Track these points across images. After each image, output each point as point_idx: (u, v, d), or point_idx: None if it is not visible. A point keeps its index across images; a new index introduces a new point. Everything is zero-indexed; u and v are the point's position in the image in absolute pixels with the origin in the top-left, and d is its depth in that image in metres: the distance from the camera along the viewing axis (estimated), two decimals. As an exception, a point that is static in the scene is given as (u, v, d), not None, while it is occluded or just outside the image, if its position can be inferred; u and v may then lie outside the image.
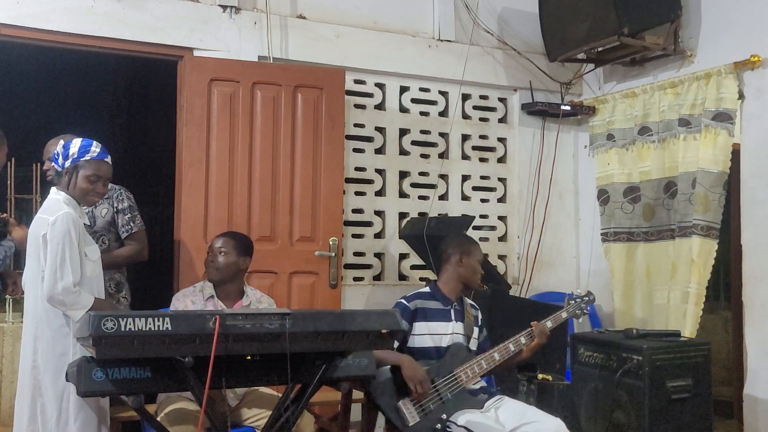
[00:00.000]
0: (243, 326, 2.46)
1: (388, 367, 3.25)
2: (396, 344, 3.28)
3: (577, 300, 3.71)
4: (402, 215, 5.10)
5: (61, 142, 3.11)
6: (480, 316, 3.61)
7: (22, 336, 3.05)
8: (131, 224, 3.82)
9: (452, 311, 3.45)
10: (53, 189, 3.07)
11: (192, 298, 3.40)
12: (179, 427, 3.02)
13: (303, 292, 4.45)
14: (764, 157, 4.26)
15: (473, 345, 3.48)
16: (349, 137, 4.87)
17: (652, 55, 4.91)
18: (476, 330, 3.53)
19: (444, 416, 3.19)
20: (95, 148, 3.06)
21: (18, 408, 2.99)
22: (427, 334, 3.38)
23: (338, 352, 2.74)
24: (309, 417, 3.29)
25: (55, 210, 2.94)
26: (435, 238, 4.32)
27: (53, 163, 3.09)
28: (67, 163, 3.01)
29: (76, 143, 3.04)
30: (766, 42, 4.26)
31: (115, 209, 3.81)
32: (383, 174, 5.08)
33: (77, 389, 2.50)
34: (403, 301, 3.43)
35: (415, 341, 3.37)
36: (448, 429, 3.18)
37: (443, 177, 5.22)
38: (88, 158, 3.03)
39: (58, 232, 2.88)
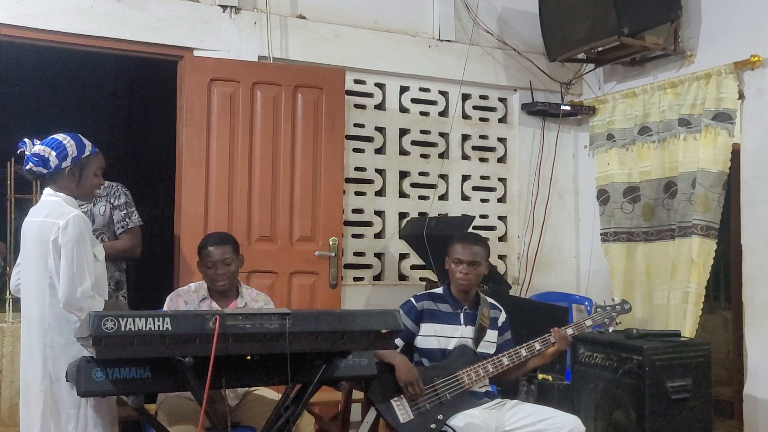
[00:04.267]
0: (243, 326, 2.46)
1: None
2: (401, 343, 3.29)
3: (608, 308, 3.55)
4: (402, 215, 5.11)
5: (27, 141, 2.94)
6: (501, 318, 3.52)
7: (23, 344, 2.95)
8: (127, 220, 3.82)
9: (462, 315, 3.40)
10: (48, 190, 2.97)
11: (185, 298, 3.37)
12: (179, 427, 3.02)
13: (303, 292, 4.45)
14: (764, 157, 4.26)
15: (486, 348, 3.40)
16: (349, 137, 4.87)
17: (652, 55, 4.91)
18: (492, 333, 3.44)
19: (440, 417, 3.18)
20: (86, 141, 3.01)
21: (25, 419, 2.91)
22: (434, 335, 3.35)
23: (338, 352, 2.74)
24: (309, 417, 3.28)
25: (62, 213, 2.86)
26: (435, 238, 4.32)
27: (34, 166, 2.91)
28: (66, 164, 2.92)
29: (69, 141, 2.94)
30: (766, 42, 4.26)
31: (112, 205, 3.81)
32: (383, 174, 5.08)
33: (77, 389, 2.50)
34: (412, 300, 3.41)
35: (421, 342, 3.35)
36: (443, 430, 3.16)
37: (443, 177, 5.22)
38: (88, 153, 2.99)
39: (71, 236, 2.81)
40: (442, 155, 5.21)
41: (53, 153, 2.91)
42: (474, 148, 5.35)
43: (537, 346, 3.37)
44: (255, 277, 4.24)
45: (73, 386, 2.72)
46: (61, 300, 2.82)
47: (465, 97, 5.31)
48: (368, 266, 5.01)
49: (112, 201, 3.81)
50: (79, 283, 2.80)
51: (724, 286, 6.07)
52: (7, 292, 3.61)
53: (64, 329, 2.85)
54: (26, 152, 2.94)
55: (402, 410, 3.17)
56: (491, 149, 5.42)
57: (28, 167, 2.94)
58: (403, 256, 5.12)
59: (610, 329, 3.59)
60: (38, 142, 2.96)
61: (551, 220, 5.45)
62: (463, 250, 3.37)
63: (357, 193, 4.98)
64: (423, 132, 5.17)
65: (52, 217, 2.87)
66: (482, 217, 5.32)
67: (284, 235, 4.45)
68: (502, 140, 5.45)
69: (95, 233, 3.72)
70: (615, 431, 3.61)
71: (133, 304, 4.10)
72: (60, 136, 2.97)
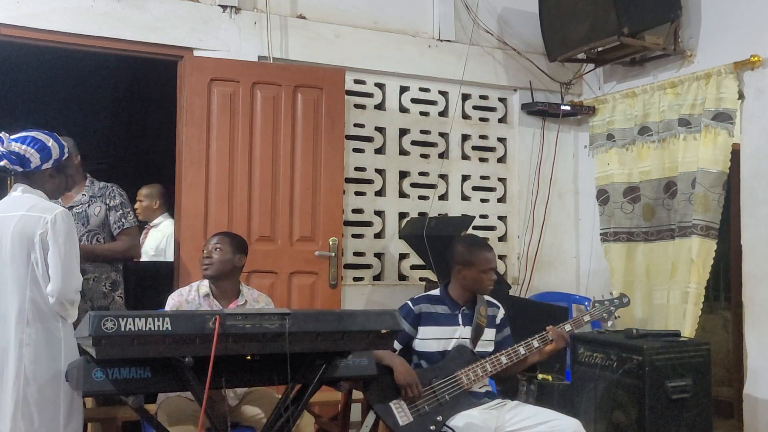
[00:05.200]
0: (243, 326, 2.46)
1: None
2: (399, 346, 3.29)
3: (606, 302, 3.56)
4: (402, 215, 5.10)
5: (0, 135, 2.90)
6: (499, 315, 3.51)
7: None
8: (123, 220, 3.83)
9: (460, 316, 3.39)
10: (24, 187, 2.91)
11: (187, 297, 3.38)
12: (179, 427, 3.02)
13: (303, 292, 4.45)
14: (764, 157, 4.26)
15: (485, 347, 3.40)
16: (349, 137, 4.87)
17: (652, 55, 4.91)
18: (489, 331, 3.43)
19: (440, 418, 3.17)
20: (63, 141, 3.02)
21: None
22: (433, 338, 3.34)
23: (338, 352, 2.74)
24: (309, 417, 3.29)
25: (47, 207, 2.85)
26: (435, 238, 4.32)
27: (10, 164, 2.86)
28: (47, 165, 2.92)
29: (52, 143, 2.92)
30: (766, 42, 4.26)
31: (107, 206, 3.81)
32: (383, 174, 5.08)
33: (77, 389, 2.50)
34: (409, 303, 3.39)
35: (420, 345, 3.34)
36: (443, 430, 3.15)
37: (443, 177, 5.22)
38: (67, 155, 3.01)
39: (62, 230, 2.81)
40: (442, 155, 5.22)
41: (37, 155, 2.89)
42: (474, 148, 5.35)
43: (535, 343, 3.38)
44: (255, 277, 4.24)
45: (46, 387, 2.74)
46: (53, 294, 2.79)
47: (465, 97, 5.31)
48: (368, 266, 5.01)
49: (107, 202, 3.82)
50: (72, 276, 2.80)
51: (724, 286, 6.07)
52: None
53: (46, 326, 2.80)
54: (0, 148, 2.88)
55: (401, 412, 3.16)
56: (491, 149, 5.42)
57: (2, 164, 2.88)
58: (403, 256, 5.12)
59: (609, 323, 3.59)
60: (8, 136, 2.90)
61: (551, 220, 5.45)
62: (490, 258, 3.39)
63: (357, 193, 4.98)
64: (423, 132, 5.17)
65: (36, 211, 2.84)
66: (482, 217, 5.32)
67: (284, 235, 4.45)
68: (502, 140, 5.45)
69: (90, 234, 3.73)
70: (615, 431, 3.61)
71: (133, 304, 4.10)
72: (42, 136, 2.93)
